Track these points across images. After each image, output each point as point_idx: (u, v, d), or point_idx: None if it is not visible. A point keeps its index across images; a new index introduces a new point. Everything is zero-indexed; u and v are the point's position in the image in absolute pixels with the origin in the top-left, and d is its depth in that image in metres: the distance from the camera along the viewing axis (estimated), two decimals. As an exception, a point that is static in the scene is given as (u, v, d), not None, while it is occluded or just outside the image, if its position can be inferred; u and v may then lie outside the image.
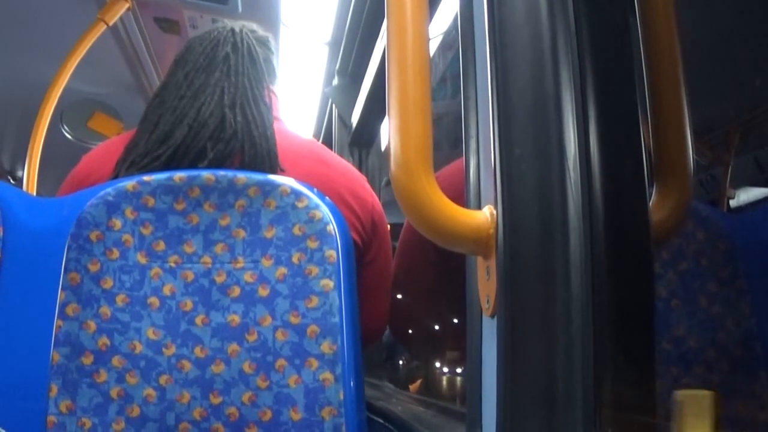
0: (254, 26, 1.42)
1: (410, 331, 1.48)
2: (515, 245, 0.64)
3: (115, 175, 1.17)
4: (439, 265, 1.35)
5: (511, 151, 0.66)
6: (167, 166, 1.15)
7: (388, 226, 1.42)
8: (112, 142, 1.33)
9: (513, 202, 0.65)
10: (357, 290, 1.12)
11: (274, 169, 1.19)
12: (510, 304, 0.64)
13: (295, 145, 1.27)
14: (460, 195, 0.78)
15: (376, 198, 1.37)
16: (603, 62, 0.69)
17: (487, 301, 0.69)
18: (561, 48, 0.67)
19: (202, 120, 1.18)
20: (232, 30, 1.30)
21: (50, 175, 2.65)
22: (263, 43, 1.38)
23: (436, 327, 1.41)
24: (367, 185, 1.38)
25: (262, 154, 1.18)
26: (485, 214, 0.70)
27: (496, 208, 0.67)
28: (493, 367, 0.67)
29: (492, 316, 0.68)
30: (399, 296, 1.41)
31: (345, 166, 1.39)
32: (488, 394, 0.69)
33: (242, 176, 1.09)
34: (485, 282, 0.70)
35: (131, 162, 1.18)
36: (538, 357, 0.62)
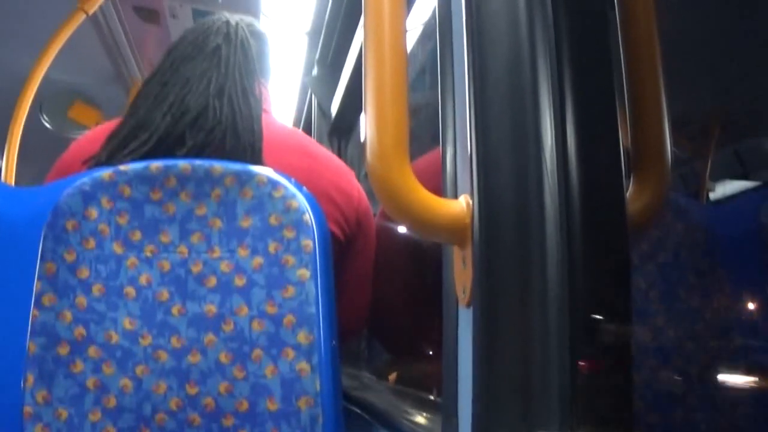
0: (252, 20, 1.41)
1: (386, 323, 1.47)
2: (491, 234, 0.64)
3: (96, 162, 1.16)
4: (413, 253, 1.34)
5: (487, 140, 0.66)
6: (150, 154, 1.14)
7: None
8: (99, 128, 1.31)
9: (489, 191, 0.65)
10: (339, 284, 1.12)
11: (256, 162, 1.17)
12: (486, 294, 0.63)
13: (282, 138, 1.27)
14: (437, 185, 0.77)
15: (363, 193, 1.36)
16: (580, 52, 0.69)
17: (463, 291, 0.69)
18: (538, 37, 0.67)
19: (184, 107, 1.17)
20: (227, 22, 1.29)
21: (29, 165, 2.63)
22: (258, 37, 1.38)
23: (413, 316, 1.40)
24: (354, 179, 1.37)
25: (244, 146, 1.17)
26: (461, 204, 0.70)
27: (472, 197, 0.67)
28: (468, 356, 0.67)
29: (468, 306, 0.68)
30: (375, 285, 1.40)
31: (332, 159, 1.38)
32: (464, 383, 0.69)
33: (218, 165, 1.08)
34: (461, 272, 0.69)
35: (112, 149, 1.17)
36: (514, 346, 0.62)
